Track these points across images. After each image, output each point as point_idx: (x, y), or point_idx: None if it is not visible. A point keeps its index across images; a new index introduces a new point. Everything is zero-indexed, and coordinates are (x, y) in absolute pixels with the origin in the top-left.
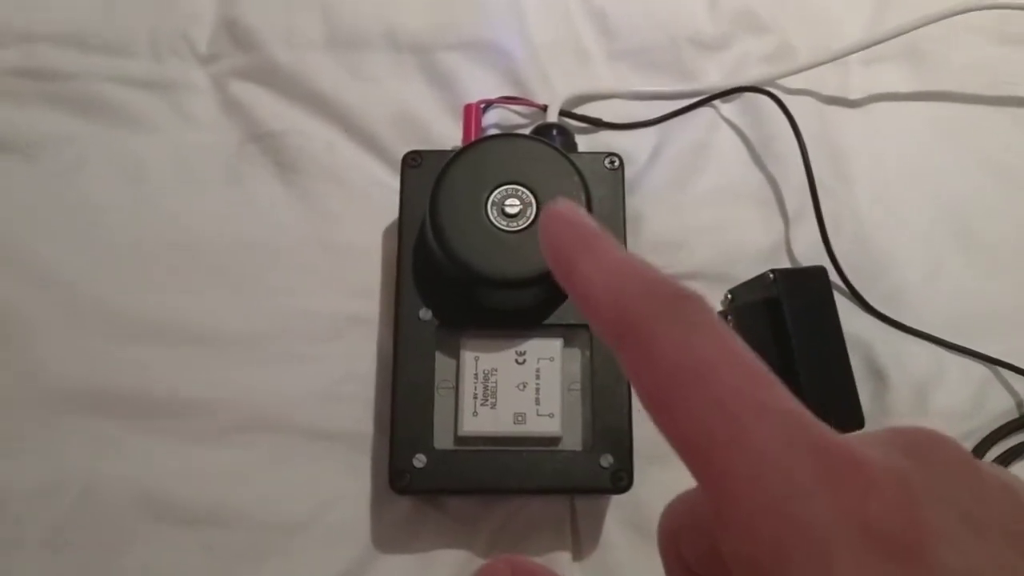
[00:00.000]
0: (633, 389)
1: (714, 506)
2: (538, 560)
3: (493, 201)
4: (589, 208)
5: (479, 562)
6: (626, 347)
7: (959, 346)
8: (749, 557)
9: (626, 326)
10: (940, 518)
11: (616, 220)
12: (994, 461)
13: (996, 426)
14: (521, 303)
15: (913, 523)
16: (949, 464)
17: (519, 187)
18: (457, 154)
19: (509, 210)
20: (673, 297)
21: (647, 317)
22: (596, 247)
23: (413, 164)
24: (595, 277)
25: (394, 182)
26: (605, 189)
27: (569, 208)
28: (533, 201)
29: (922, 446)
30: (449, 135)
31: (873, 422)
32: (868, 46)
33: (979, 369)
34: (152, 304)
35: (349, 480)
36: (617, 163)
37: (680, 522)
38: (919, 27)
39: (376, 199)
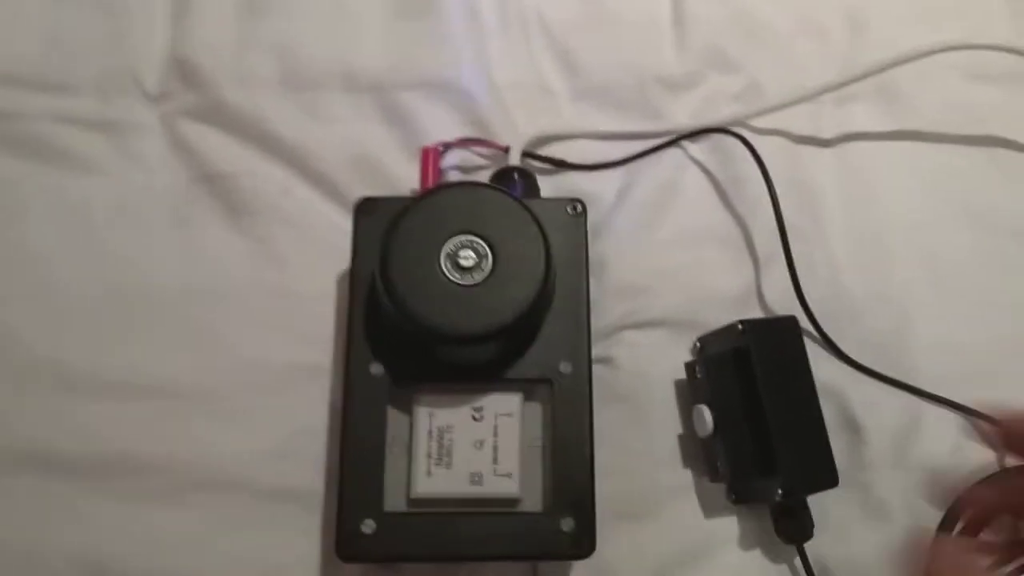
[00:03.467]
0: None
1: None
2: None
3: (447, 253)
4: (548, 260)
5: None
6: None
7: (936, 396)
8: None
9: None
10: None
11: (578, 267)
12: None
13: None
14: (478, 358)
15: None
16: None
17: (474, 238)
18: (408, 205)
19: (464, 263)
20: None
21: None
22: None
23: (366, 211)
24: None
25: (349, 227)
26: (566, 236)
27: None
28: (489, 253)
29: None
30: (408, 177)
31: (848, 475)
32: (840, 85)
33: (957, 419)
34: (98, 357)
35: (299, 543)
36: (580, 208)
37: None
38: (892, 66)
39: (331, 244)
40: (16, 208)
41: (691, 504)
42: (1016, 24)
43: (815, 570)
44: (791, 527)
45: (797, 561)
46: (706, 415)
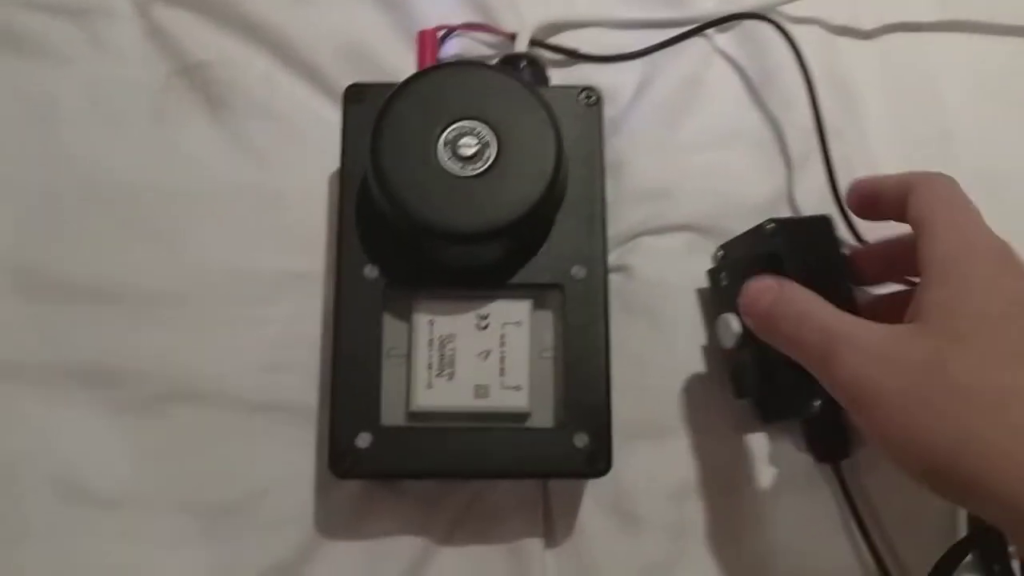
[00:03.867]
0: None
1: None
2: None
3: (446, 141)
4: (559, 149)
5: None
6: None
7: None
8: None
9: None
10: None
11: (593, 162)
12: None
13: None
14: (482, 259)
15: None
16: None
17: (476, 124)
18: (402, 85)
19: (464, 151)
20: None
21: None
22: None
23: (356, 99)
24: None
25: (339, 120)
26: (581, 128)
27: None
28: (493, 141)
29: None
30: (403, 66)
31: None
32: None
33: None
34: (66, 260)
35: (290, 458)
36: (595, 98)
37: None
38: None
39: (319, 140)
40: None
41: (714, 423)
42: None
43: (852, 491)
44: (827, 445)
45: (833, 483)
46: (732, 324)
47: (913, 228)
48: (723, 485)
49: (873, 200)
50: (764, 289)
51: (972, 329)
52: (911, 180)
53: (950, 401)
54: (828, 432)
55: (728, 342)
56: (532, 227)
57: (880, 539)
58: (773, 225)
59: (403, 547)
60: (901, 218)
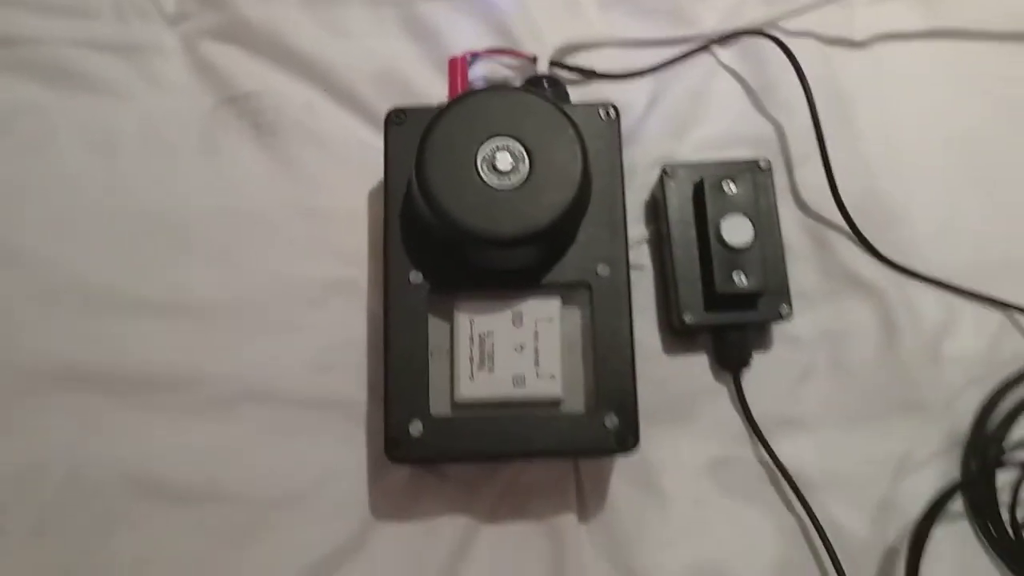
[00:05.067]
0: None
1: None
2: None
3: (483, 157)
4: (585, 163)
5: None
6: None
7: (972, 292)
8: None
9: None
10: None
11: (613, 172)
12: (1010, 409)
13: (1011, 370)
14: (516, 263)
15: None
16: None
17: (510, 141)
18: (444, 108)
19: (500, 166)
20: None
21: None
22: None
23: (397, 122)
24: None
25: (377, 142)
26: (601, 142)
27: None
28: (525, 156)
29: None
30: (434, 91)
31: (885, 370)
32: None
33: (993, 315)
34: (130, 276)
35: (344, 450)
36: (613, 114)
37: None
38: None
39: (359, 160)
40: (43, 134)
41: (726, 406)
42: None
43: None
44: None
45: None
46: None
47: None
48: (738, 457)
49: None
50: None
51: None
52: None
53: None
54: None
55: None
56: (561, 231)
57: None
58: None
59: (450, 526)
60: None
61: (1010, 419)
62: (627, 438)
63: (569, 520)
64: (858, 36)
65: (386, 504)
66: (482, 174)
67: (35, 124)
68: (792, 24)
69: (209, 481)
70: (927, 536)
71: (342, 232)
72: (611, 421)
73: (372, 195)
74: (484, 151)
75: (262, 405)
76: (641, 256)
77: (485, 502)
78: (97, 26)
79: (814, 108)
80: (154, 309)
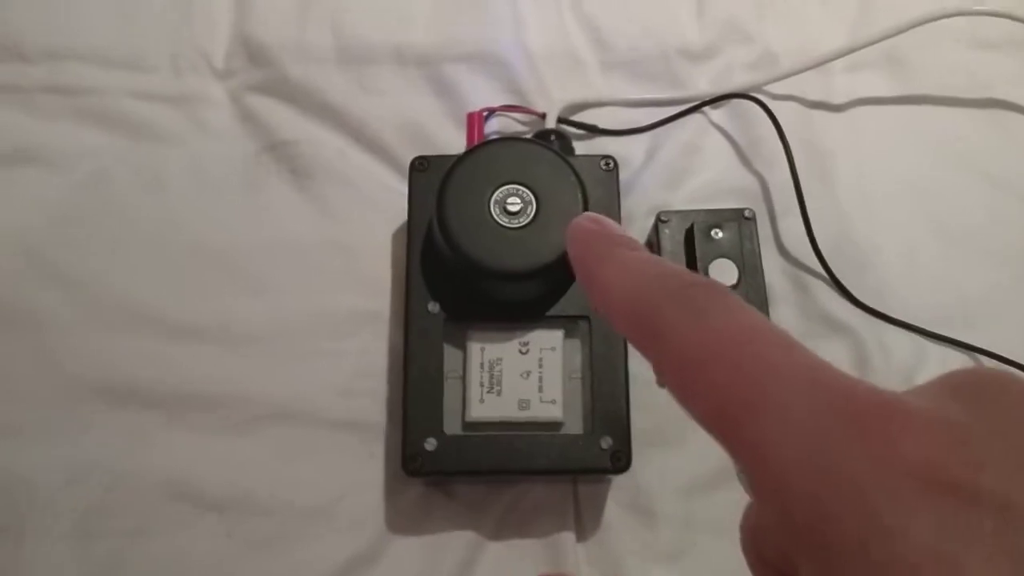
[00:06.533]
0: (663, 382)
1: (751, 477)
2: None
3: (496, 200)
4: (586, 207)
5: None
6: (644, 341)
7: (940, 335)
8: (792, 522)
9: (641, 321)
10: (995, 453)
11: (611, 216)
12: None
13: None
14: (524, 296)
15: (960, 458)
16: (1012, 403)
17: (520, 187)
18: (462, 156)
19: (511, 208)
20: (682, 286)
21: (658, 308)
22: (614, 254)
23: (420, 168)
24: (613, 281)
25: (402, 187)
26: (601, 190)
27: (591, 220)
28: (533, 200)
29: (980, 388)
30: (453, 142)
31: None
32: (849, 52)
33: (960, 357)
34: (176, 303)
35: (364, 468)
36: (612, 165)
37: (755, 530)
38: (897, 34)
39: (385, 203)
40: (100, 175)
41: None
42: None
43: None
44: None
45: None
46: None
47: None
48: (725, 482)
49: None
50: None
51: None
52: None
53: None
54: None
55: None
56: (564, 268)
57: None
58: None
59: (458, 542)
60: None
61: None
62: (621, 459)
63: (567, 539)
64: (836, 100)
65: (400, 519)
66: (494, 215)
67: (95, 165)
68: (777, 88)
69: (240, 492)
70: None
71: (368, 267)
72: (606, 443)
73: (396, 234)
74: (497, 195)
75: (291, 425)
76: None
77: (490, 520)
78: (153, 79)
79: (793, 164)
80: (196, 333)
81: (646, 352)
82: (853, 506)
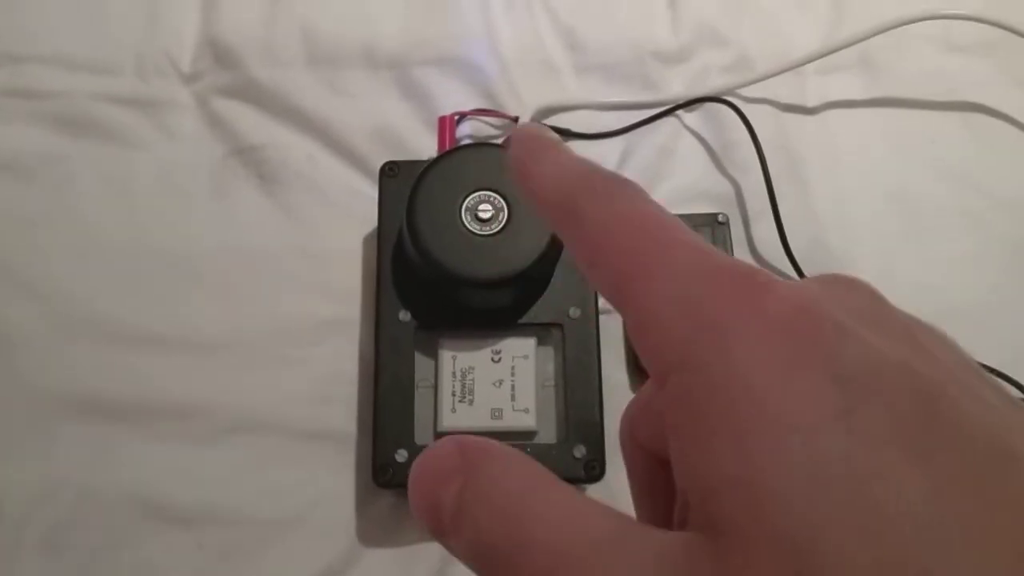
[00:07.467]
0: (580, 269)
1: (642, 341)
2: None
3: (467, 207)
4: None
5: None
6: (565, 223)
7: None
8: (664, 361)
9: (565, 206)
10: (839, 317)
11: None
12: None
13: None
14: (495, 303)
15: (809, 316)
16: (859, 296)
17: (492, 193)
18: (432, 162)
19: (482, 215)
20: (602, 179)
21: (579, 196)
22: (549, 154)
23: (390, 174)
24: (546, 174)
25: (372, 192)
26: None
27: (534, 127)
28: (505, 207)
29: (835, 281)
30: (424, 147)
31: None
32: (822, 56)
33: None
34: (142, 312)
35: (334, 478)
36: None
37: (636, 407)
38: (870, 37)
39: (355, 208)
40: (65, 180)
41: None
42: None
43: None
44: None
45: None
46: None
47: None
48: None
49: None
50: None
51: None
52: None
53: None
54: None
55: None
56: (536, 275)
57: None
58: None
59: (430, 553)
60: None
61: None
62: (595, 468)
63: None
64: (809, 103)
65: (372, 530)
66: (465, 222)
67: (57, 170)
68: (750, 92)
69: (209, 504)
70: None
71: (338, 274)
72: (580, 451)
73: (366, 240)
74: (468, 202)
75: (260, 435)
76: None
77: None
78: (119, 82)
79: (766, 168)
80: (163, 343)
81: (565, 232)
82: (715, 344)
